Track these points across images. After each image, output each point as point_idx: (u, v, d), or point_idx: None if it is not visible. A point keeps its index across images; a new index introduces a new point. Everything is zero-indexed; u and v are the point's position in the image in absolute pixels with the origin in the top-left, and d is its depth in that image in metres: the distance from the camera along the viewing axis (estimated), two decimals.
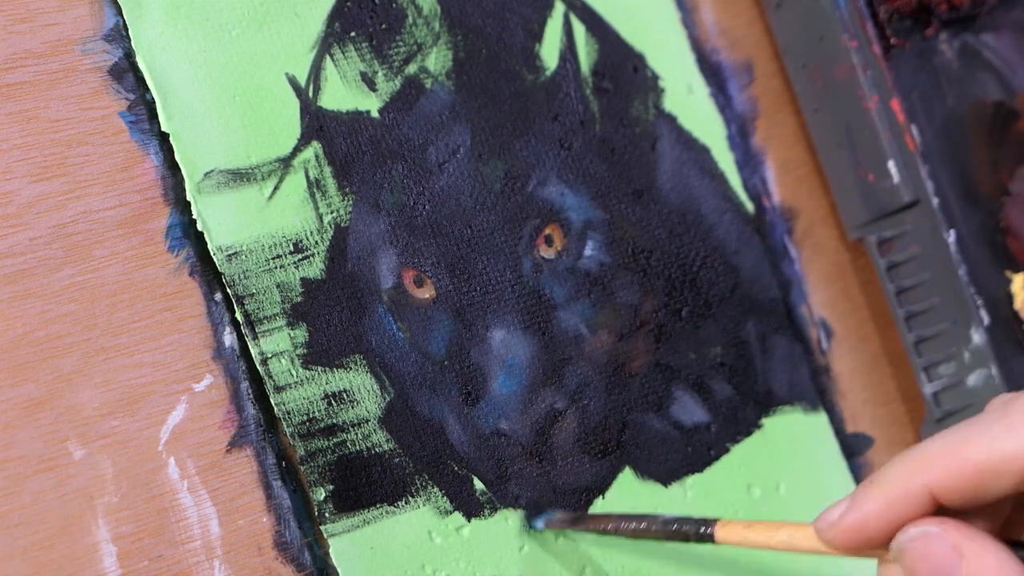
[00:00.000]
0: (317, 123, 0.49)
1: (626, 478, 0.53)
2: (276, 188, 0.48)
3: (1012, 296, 0.57)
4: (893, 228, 0.58)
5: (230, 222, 0.47)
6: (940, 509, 0.39)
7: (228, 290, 0.46)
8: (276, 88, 0.49)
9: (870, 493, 0.40)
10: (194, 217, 0.46)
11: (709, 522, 0.44)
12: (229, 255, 0.47)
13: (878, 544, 0.40)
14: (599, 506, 0.52)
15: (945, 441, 0.39)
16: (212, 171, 0.47)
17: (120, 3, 0.47)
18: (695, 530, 0.45)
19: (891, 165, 0.57)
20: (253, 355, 0.46)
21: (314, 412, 0.47)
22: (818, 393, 0.58)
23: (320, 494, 0.46)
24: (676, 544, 0.53)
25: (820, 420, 0.57)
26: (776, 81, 0.61)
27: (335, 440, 0.47)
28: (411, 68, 0.51)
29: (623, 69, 0.56)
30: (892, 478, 0.40)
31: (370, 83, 0.51)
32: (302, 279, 0.48)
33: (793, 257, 0.59)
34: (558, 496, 0.51)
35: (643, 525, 0.47)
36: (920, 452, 0.39)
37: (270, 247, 0.47)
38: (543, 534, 0.50)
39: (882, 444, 0.59)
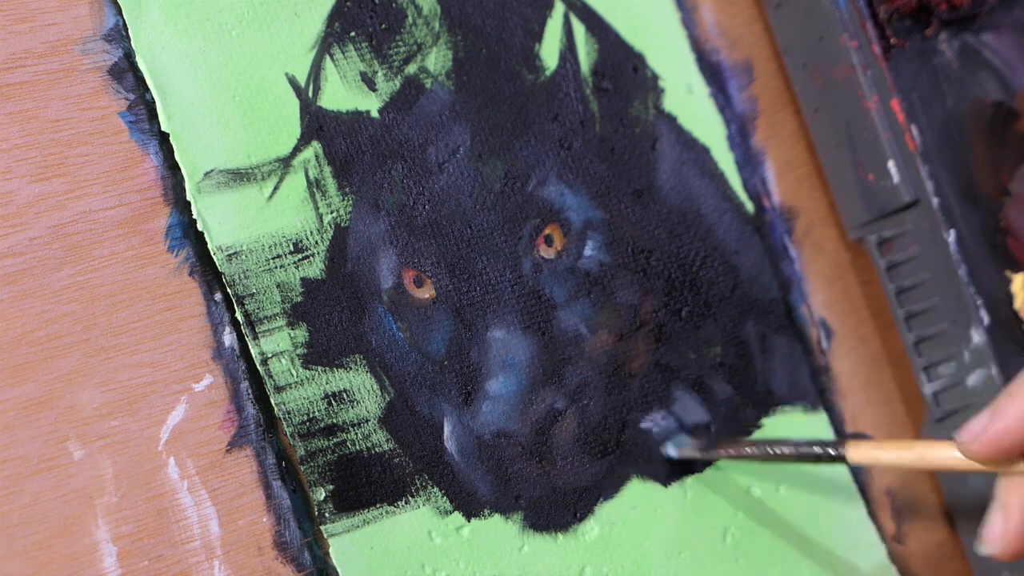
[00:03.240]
0: (317, 123, 0.49)
1: (625, 478, 0.53)
2: (276, 188, 0.48)
3: (1012, 296, 0.57)
4: (893, 228, 0.58)
5: (230, 222, 0.47)
6: None
7: (228, 290, 0.46)
8: (276, 88, 0.49)
9: (1011, 403, 0.41)
10: (194, 217, 0.46)
11: (838, 443, 0.47)
12: (229, 255, 0.47)
13: (1018, 453, 0.41)
14: (600, 507, 0.52)
15: None
16: (212, 171, 0.47)
17: (120, 3, 0.47)
18: (825, 451, 0.47)
19: (891, 165, 0.57)
20: (253, 355, 0.46)
21: (314, 412, 0.47)
22: (818, 393, 0.58)
23: (320, 494, 0.46)
24: (679, 547, 0.53)
25: (820, 420, 0.57)
26: (776, 81, 0.61)
27: (335, 440, 0.47)
28: (411, 68, 0.51)
29: (623, 69, 0.56)
30: None
31: (370, 83, 0.51)
32: (302, 279, 0.48)
33: (793, 257, 0.59)
34: (558, 496, 0.51)
35: (774, 450, 0.49)
36: None
37: (270, 247, 0.47)
38: (543, 535, 0.50)
39: None
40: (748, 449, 0.50)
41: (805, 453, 0.48)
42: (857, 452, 0.46)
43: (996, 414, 0.42)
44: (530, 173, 0.53)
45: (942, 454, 0.43)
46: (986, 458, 0.42)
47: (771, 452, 0.49)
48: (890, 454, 0.45)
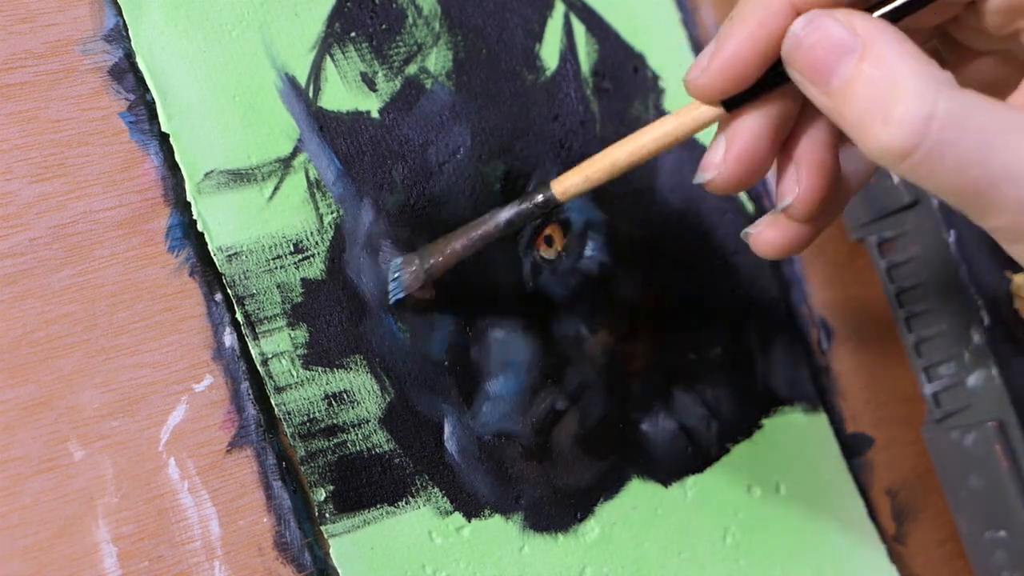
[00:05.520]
0: (317, 123, 0.49)
1: (626, 478, 0.53)
2: (276, 188, 0.48)
3: (1012, 296, 0.57)
4: (893, 228, 0.58)
5: (230, 222, 0.47)
6: None
7: (228, 290, 0.46)
8: (276, 88, 0.49)
9: (734, 25, 0.38)
10: (194, 217, 0.46)
11: (544, 189, 0.44)
12: (229, 255, 0.47)
13: (752, 78, 0.38)
14: (600, 507, 0.52)
15: None
16: (212, 171, 0.47)
17: (120, 3, 0.47)
18: (537, 202, 0.44)
19: None
20: (253, 355, 0.46)
21: (314, 412, 0.47)
22: (818, 393, 0.58)
23: (320, 494, 0.46)
24: (679, 547, 0.53)
25: (820, 420, 0.58)
26: None
27: (335, 440, 0.47)
28: (411, 68, 0.51)
29: (623, 69, 0.56)
30: (752, 4, 0.38)
31: (370, 83, 0.51)
32: (302, 279, 0.48)
33: (793, 257, 0.59)
34: (558, 496, 0.51)
35: (487, 227, 0.46)
36: None
37: (270, 247, 0.47)
38: (544, 535, 0.50)
39: (882, 444, 0.59)
40: (458, 244, 0.46)
41: (514, 217, 0.45)
42: (561, 186, 0.43)
43: (719, 40, 0.38)
44: (530, 173, 0.53)
45: (667, 125, 0.40)
46: (720, 86, 0.38)
47: (484, 231, 0.46)
48: (594, 168, 0.41)
